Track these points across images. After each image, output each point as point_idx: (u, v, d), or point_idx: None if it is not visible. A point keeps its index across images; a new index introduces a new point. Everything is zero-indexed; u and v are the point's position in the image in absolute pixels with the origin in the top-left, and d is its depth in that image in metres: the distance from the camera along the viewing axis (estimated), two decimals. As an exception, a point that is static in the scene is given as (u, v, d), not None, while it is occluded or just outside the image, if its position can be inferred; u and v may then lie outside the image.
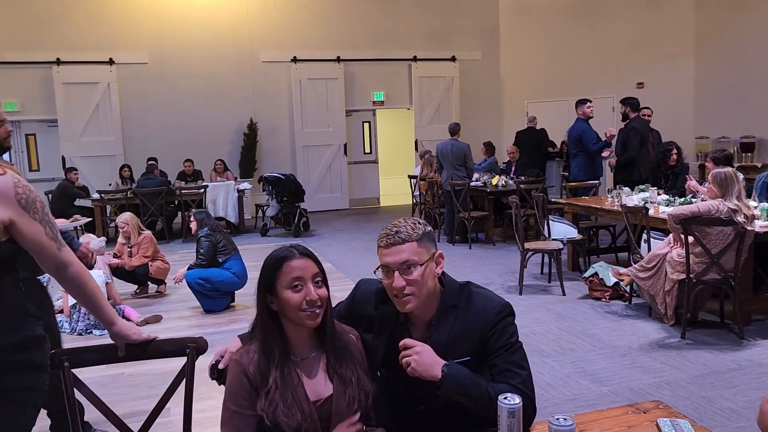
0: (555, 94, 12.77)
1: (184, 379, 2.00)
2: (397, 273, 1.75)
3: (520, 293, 5.92)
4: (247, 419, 1.70)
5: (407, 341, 1.73)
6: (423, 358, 1.69)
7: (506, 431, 1.51)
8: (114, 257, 6.21)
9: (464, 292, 1.88)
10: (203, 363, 1.96)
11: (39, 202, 1.82)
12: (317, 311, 1.73)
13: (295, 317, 1.73)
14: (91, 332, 5.18)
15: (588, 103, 7.74)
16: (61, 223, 5.40)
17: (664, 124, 7.99)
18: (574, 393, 3.77)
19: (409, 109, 13.41)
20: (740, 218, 4.28)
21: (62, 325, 5.04)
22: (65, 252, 1.86)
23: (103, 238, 6.39)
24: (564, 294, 5.83)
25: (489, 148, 10.58)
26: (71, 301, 5.26)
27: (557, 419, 1.43)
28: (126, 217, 6.39)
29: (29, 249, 1.82)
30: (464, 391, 1.67)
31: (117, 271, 6.19)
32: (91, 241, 6.12)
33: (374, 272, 1.85)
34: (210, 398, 3.61)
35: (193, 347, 2.00)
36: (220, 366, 1.85)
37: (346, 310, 2.01)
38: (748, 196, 5.04)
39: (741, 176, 4.58)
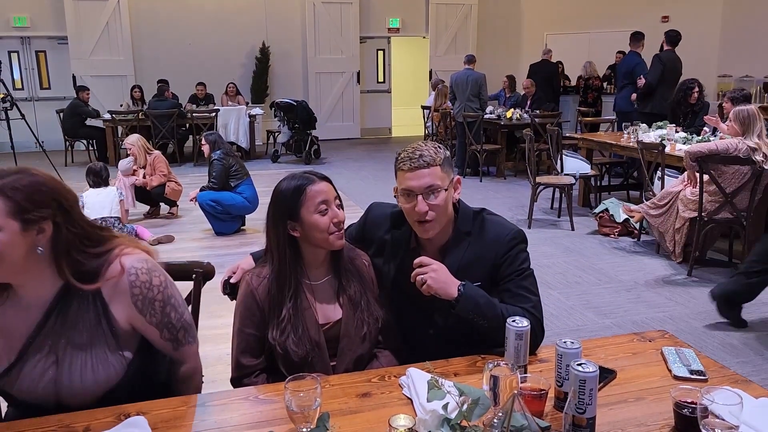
0: (576, 26, 12.37)
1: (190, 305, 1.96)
2: (420, 197, 1.73)
3: (529, 227, 5.93)
4: (254, 337, 1.75)
5: (423, 259, 1.72)
6: (440, 276, 1.69)
7: (513, 353, 1.53)
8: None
9: (478, 219, 1.87)
10: (215, 282, 1.98)
11: (159, 300, 1.56)
12: (343, 231, 1.78)
13: (323, 240, 1.74)
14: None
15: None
16: None
17: (686, 61, 7.74)
18: (578, 324, 3.83)
19: (424, 37, 13.06)
20: (759, 157, 4.22)
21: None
22: (181, 352, 1.65)
23: (131, 159, 6.37)
24: (573, 229, 5.84)
25: (512, 82, 10.36)
26: (95, 215, 5.27)
27: (564, 342, 1.44)
28: (133, 138, 6.42)
29: None
30: (479, 311, 1.69)
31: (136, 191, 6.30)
32: (120, 161, 6.32)
33: (394, 195, 1.84)
34: (221, 316, 3.68)
35: (200, 273, 1.94)
36: (233, 281, 1.88)
37: (358, 234, 2.01)
38: (768, 137, 4.95)
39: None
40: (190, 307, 1.94)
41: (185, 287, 1.95)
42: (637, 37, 7.87)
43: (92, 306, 1.50)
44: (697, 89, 6.47)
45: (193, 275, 1.93)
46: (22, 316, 1.49)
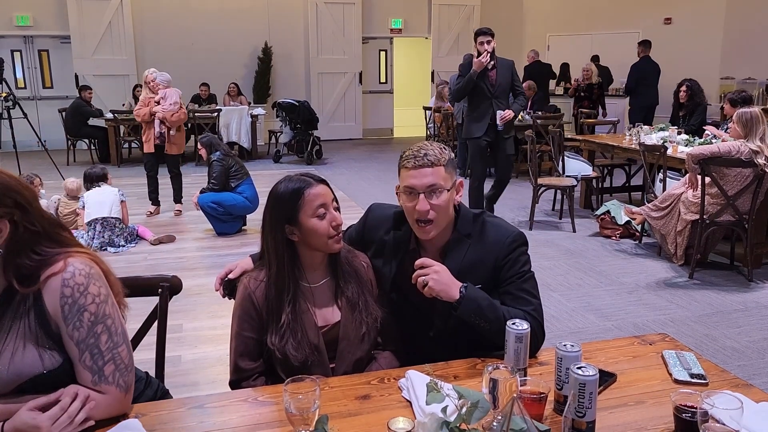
0: (578, 28, 12.35)
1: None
2: (422, 196, 1.71)
3: (531, 228, 5.92)
4: (252, 341, 1.74)
5: (425, 260, 1.70)
6: (441, 277, 1.67)
7: (513, 355, 1.53)
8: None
9: (478, 222, 1.85)
10: (211, 284, 1.96)
11: (90, 312, 1.36)
12: (341, 234, 1.75)
13: (323, 244, 1.72)
14: (106, 249, 5.26)
15: None
16: None
17: (689, 63, 7.74)
18: (579, 326, 3.82)
19: (427, 38, 13.07)
20: (761, 160, 4.20)
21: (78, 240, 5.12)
22: (103, 388, 1.38)
23: (167, 74, 6.33)
24: (574, 231, 5.83)
25: None
26: (87, 217, 5.31)
27: (564, 345, 1.44)
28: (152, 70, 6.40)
29: None
30: (481, 313, 1.67)
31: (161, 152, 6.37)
32: (157, 76, 6.26)
33: (396, 193, 1.83)
34: (221, 317, 3.70)
35: (166, 287, 1.85)
36: (232, 276, 1.85)
37: (357, 234, 2.00)
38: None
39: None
40: (155, 324, 1.86)
41: (152, 302, 1.87)
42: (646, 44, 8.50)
43: (31, 305, 1.36)
44: (683, 88, 6.50)
45: (159, 290, 1.85)
46: None
